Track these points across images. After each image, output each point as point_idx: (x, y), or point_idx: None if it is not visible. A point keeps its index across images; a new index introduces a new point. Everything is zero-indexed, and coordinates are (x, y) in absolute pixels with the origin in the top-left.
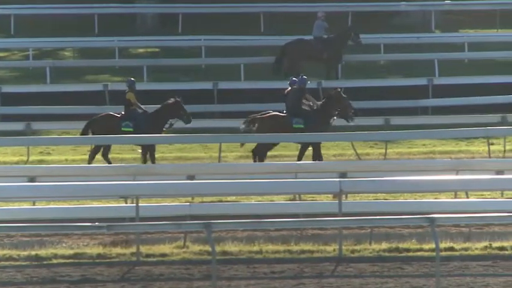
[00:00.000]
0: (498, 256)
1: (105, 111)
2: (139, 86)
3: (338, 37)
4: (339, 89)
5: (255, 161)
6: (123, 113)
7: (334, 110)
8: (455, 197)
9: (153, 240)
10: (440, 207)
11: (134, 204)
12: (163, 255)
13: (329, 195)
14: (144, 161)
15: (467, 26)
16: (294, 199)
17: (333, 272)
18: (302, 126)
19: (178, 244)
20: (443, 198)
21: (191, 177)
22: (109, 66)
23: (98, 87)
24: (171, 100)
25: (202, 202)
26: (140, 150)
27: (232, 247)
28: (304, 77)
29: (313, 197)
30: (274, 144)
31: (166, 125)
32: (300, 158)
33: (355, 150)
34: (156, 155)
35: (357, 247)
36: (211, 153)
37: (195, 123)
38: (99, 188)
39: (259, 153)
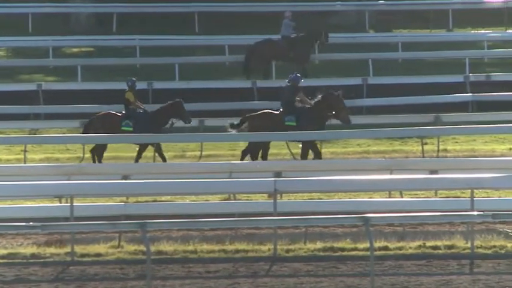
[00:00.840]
0: (432, 255)
1: (37, 111)
2: (73, 86)
3: (306, 37)
4: (338, 92)
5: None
6: (123, 112)
7: (327, 110)
8: (390, 197)
9: (87, 240)
10: (375, 206)
11: (69, 204)
12: (98, 255)
13: (264, 195)
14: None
15: (401, 26)
16: (228, 199)
17: (267, 272)
18: (294, 123)
19: (113, 244)
20: (378, 198)
21: (126, 177)
22: (43, 65)
23: (31, 86)
24: (171, 101)
25: (137, 202)
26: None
27: (167, 247)
28: (298, 75)
29: (248, 197)
30: (267, 144)
31: (167, 125)
32: (304, 157)
33: (289, 150)
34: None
35: (292, 246)
36: (146, 153)
37: None
38: (34, 188)
39: (251, 153)
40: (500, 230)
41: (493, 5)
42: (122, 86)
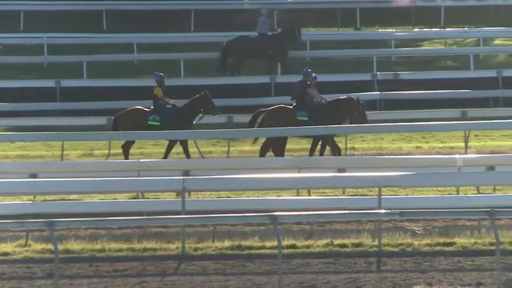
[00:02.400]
0: (339, 253)
1: None
2: None
3: (283, 34)
4: (356, 98)
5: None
6: (151, 107)
7: (342, 111)
8: (298, 195)
9: None
10: (283, 204)
11: None
12: (5, 254)
13: (172, 193)
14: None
15: (309, 24)
16: (137, 197)
17: (176, 270)
18: (306, 118)
19: (20, 243)
20: (286, 196)
21: (33, 176)
22: None
23: None
24: (197, 95)
25: (45, 200)
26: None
27: (75, 245)
28: (309, 70)
29: (156, 195)
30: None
31: (196, 119)
32: (311, 153)
33: (198, 148)
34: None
35: (200, 245)
36: (54, 152)
37: (37, 121)
38: None
39: (270, 148)
40: (407, 227)
41: (401, 4)
42: (29, 84)
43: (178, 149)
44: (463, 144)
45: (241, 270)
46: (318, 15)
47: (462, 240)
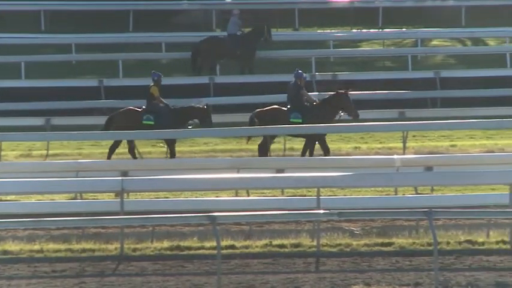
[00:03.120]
0: (278, 254)
1: None
2: None
3: (252, 34)
4: (346, 90)
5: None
6: (144, 107)
7: (335, 108)
8: (236, 195)
9: None
10: (222, 205)
11: None
12: None
13: (111, 194)
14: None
15: (247, 25)
16: (75, 198)
17: (114, 271)
18: (300, 120)
19: None
20: (225, 197)
21: None
22: None
23: None
24: (202, 104)
25: None
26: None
27: (12, 246)
28: (300, 71)
29: (94, 196)
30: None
31: (188, 125)
32: (311, 153)
33: (137, 149)
34: None
35: (139, 245)
36: None
37: None
38: None
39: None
40: (346, 228)
41: (339, 5)
42: None
43: (117, 149)
44: (401, 145)
45: (180, 271)
46: (256, 16)
47: (400, 241)
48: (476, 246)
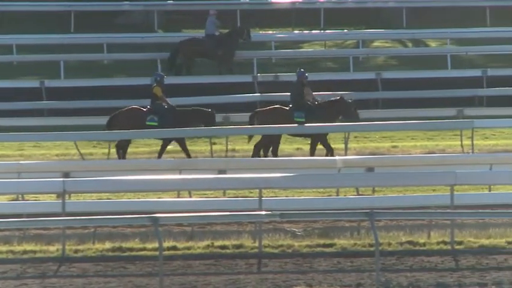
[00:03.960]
0: (220, 255)
1: None
2: None
3: (230, 34)
4: (350, 99)
5: (253, 156)
6: (148, 107)
7: (338, 112)
8: (179, 197)
9: None
10: (164, 206)
11: None
12: None
13: (52, 195)
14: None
15: (190, 26)
16: (16, 199)
17: (56, 272)
18: (303, 119)
19: None
20: (167, 198)
21: None
22: None
23: None
24: (208, 109)
25: None
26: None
27: None
28: (302, 70)
29: (36, 197)
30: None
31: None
32: (312, 153)
33: (78, 150)
34: None
35: (80, 247)
36: None
37: None
38: None
39: (264, 147)
40: (288, 229)
41: (281, 6)
42: None
43: (59, 150)
44: (343, 146)
45: (122, 272)
46: (197, 17)
47: (342, 242)
48: (418, 247)
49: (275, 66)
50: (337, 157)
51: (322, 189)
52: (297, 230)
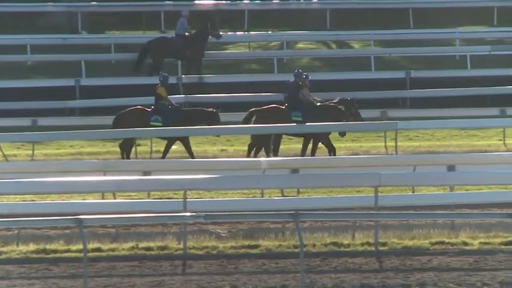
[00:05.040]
0: (145, 256)
1: None
2: None
3: (199, 34)
4: (352, 98)
5: (249, 156)
6: (153, 107)
7: (336, 112)
8: (103, 198)
9: None
10: (88, 208)
11: None
12: None
13: None
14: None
15: (114, 27)
16: None
17: None
18: (301, 119)
19: None
20: (91, 199)
21: None
22: None
23: None
24: (210, 109)
25: None
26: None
27: None
28: (300, 70)
29: None
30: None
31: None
32: (303, 153)
33: (2, 151)
34: None
35: (4, 249)
36: None
37: None
38: None
39: (264, 146)
40: (212, 230)
41: (204, 7)
42: None
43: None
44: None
45: (46, 274)
46: (122, 19)
47: (267, 243)
48: (342, 248)
49: (202, 68)
50: (261, 158)
51: (247, 191)
52: (221, 232)
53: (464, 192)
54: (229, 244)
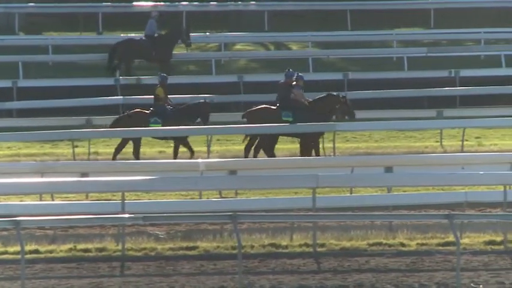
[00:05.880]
0: (83, 258)
1: None
2: None
3: (168, 36)
4: (342, 95)
5: (246, 156)
6: (152, 108)
7: (328, 109)
8: (41, 200)
9: None
10: (26, 209)
11: None
12: None
13: None
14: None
15: (51, 28)
16: None
17: None
18: (291, 119)
19: None
20: (29, 201)
21: None
22: None
23: None
24: (202, 100)
25: None
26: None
27: None
28: (291, 70)
29: None
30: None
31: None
32: (317, 153)
33: None
34: None
35: None
36: None
37: None
38: None
39: (266, 148)
40: (151, 232)
41: (142, 9)
42: None
43: None
44: (205, 149)
45: None
46: (60, 20)
47: (205, 244)
48: (280, 250)
49: (137, 69)
50: (199, 160)
51: (185, 192)
52: (160, 233)
53: (402, 193)
54: (168, 246)
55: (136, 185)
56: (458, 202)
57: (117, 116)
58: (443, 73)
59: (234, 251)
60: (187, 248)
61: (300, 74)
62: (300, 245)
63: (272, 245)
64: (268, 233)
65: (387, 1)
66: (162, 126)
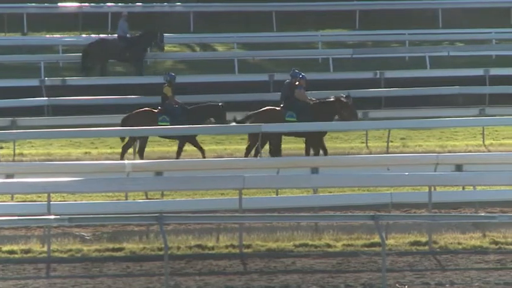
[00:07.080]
0: (8, 260)
1: None
2: None
3: (143, 37)
4: (345, 96)
5: (246, 156)
6: (160, 107)
7: (331, 111)
8: None
9: None
10: None
11: None
12: None
13: None
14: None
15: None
16: None
17: None
18: (295, 119)
19: None
20: None
21: None
22: None
23: None
24: (216, 102)
25: None
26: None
27: None
28: (296, 70)
29: None
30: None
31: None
32: (307, 153)
33: None
34: None
35: None
36: None
37: None
38: None
39: (275, 146)
40: (77, 233)
41: (68, 10)
42: None
43: None
44: (131, 150)
45: None
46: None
47: (131, 246)
48: (206, 251)
49: (63, 70)
50: (126, 161)
51: (111, 193)
52: (85, 234)
53: (328, 194)
54: (94, 247)
55: (62, 186)
56: (384, 203)
57: (124, 115)
58: (368, 74)
59: (161, 252)
60: (114, 250)
61: (303, 74)
62: (226, 246)
63: (198, 246)
64: (194, 234)
65: (312, 2)
66: (171, 125)
